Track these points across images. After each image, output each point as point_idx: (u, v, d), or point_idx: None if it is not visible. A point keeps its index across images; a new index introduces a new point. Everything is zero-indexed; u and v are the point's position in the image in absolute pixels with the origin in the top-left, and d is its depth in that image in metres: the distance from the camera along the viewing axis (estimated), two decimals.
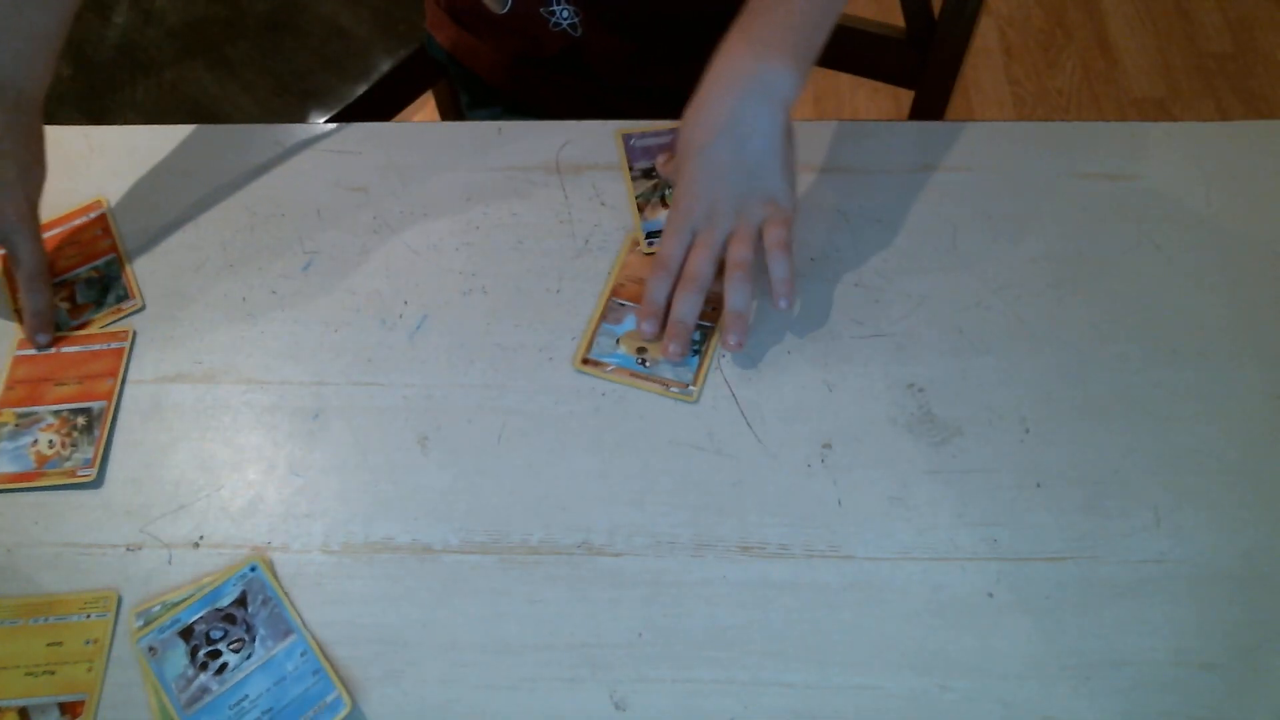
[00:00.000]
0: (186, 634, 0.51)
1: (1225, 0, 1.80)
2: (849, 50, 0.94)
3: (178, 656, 0.50)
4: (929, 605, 0.52)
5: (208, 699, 0.49)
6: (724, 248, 0.60)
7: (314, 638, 0.52)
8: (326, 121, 0.98)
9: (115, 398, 0.59)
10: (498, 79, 0.85)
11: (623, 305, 0.61)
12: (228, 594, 0.52)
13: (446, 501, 0.56)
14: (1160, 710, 0.49)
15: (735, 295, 0.58)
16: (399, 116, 1.10)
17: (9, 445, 0.57)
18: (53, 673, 0.51)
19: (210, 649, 0.51)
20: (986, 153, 0.68)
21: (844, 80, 1.73)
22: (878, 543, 0.54)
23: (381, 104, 1.06)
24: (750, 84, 0.58)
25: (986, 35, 1.78)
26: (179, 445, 0.58)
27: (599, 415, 0.58)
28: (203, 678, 0.50)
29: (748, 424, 0.58)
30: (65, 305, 0.63)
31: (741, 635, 0.51)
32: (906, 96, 0.95)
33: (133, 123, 0.69)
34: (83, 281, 0.63)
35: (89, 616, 0.52)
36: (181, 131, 0.71)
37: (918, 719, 0.49)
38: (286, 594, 0.53)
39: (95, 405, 0.58)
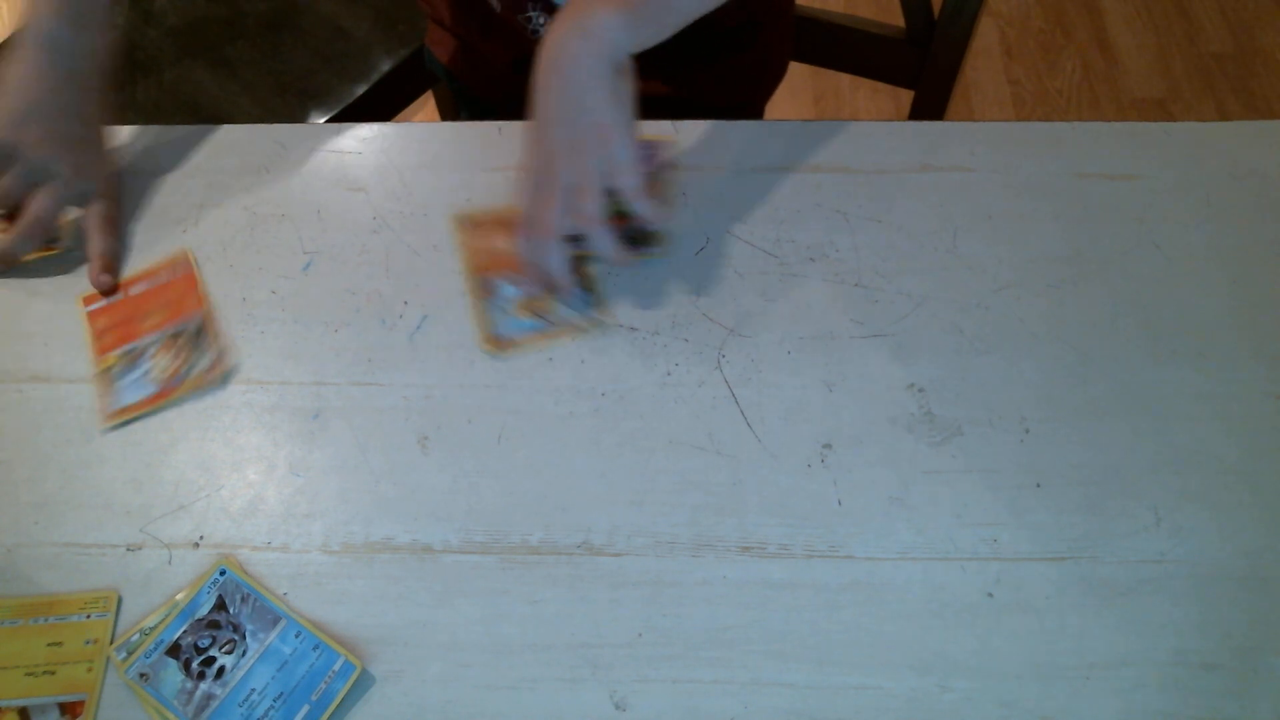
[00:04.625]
0: (174, 651, 0.51)
1: (1225, 0, 1.80)
2: (849, 50, 0.94)
3: (172, 674, 0.50)
4: (929, 605, 0.52)
5: (214, 704, 0.49)
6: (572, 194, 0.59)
7: (305, 618, 0.52)
8: (326, 121, 0.98)
9: (207, 305, 0.62)
10: (494, 93, 0.86)
11: (490, 278, 0.62)
12: (204, 603, 0.52)
13: (446, 501, 0.56)
14: (1160, 710, 0.49)
15: (601, 245, 0.59)
16: (399, 116, 1.10)
17: (127, 381, 0.59)
18: (53, 673, 0.51)
19: (203, 657, 0.51)
20: (986, 153, 0.68)
21: (844, 80, 1.73)
22: (878, 543, 0.54)
23: (381, 104, 1.06)
24: (574, 27, 0.58)
25: (986, 35, 1.78)
26: (179, 445, 0.58)
27: (599, 415, 0.58)
28: (203, 686, 0.50)
29: (748, 424, 0.58)
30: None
31: (741, 635, 0.51)
32: (906, 96, 0.95)
33: (133, 123, 0.69)
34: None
35: (89, 616, 0.52)
36: (181, 131, 0.71)
37: (918, 719, 0.49)
38: (263, 585, 0.53)
39: (191, 321, 0.61)
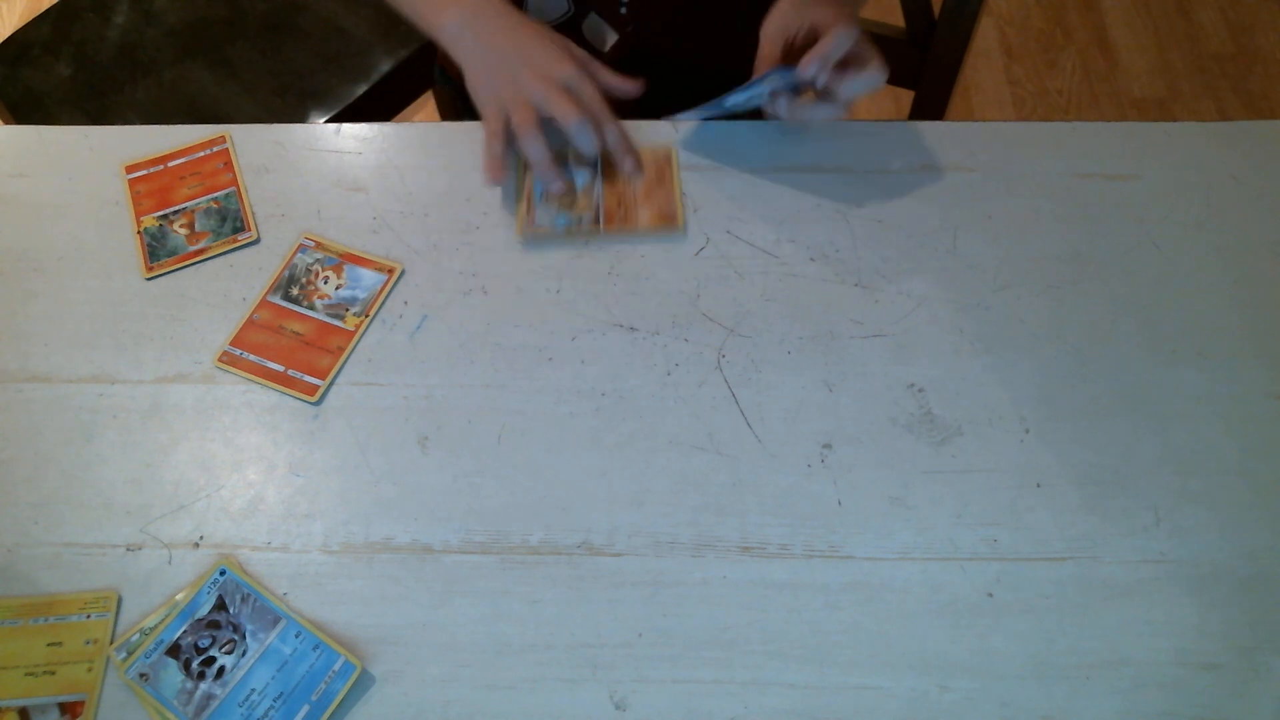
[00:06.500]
0: (174, 651, 0.51)
1: (1225, 0, 1.80)
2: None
3: (172, 674, 0.50)
4: (929, 605, 0.52)
5: (214, 704, 0.49)
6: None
7: (305, 618, 0.52)
8: (326, 121, 0.98)
9: (240, 179, 0.68)
10: None
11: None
12: (204, 603, 0.52)
13: (446, 501, 0.56)
14: (1160, 710, 0.49)
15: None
16: (399, 116, 1.10)
17: (166, 240, 0.66)
18: (53, 673, 0.51)
19: (203, 658, 0.51)
20: (986, 153, 0.68)
21: None
22: (878, 543, 0.54)
23: (381, 104, 1.06)
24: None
25: (986, 35, 1.78)
26: (179, 445, 0.58)
27: (599, 415, 0.58)
28: (204, 686, 0.50)
29: (748, 424, 0.58)
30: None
31: (741, 635, 0.51)
32: (906, 96, 0.95)
33: (133, 123, 0.69)
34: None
35: (89, 616, 0.52)
36: (181, 131, 0.71)
37: (917, 719, 0.49)
38: (263, 585, 0.53)
39: (223, 192, 0.67)
